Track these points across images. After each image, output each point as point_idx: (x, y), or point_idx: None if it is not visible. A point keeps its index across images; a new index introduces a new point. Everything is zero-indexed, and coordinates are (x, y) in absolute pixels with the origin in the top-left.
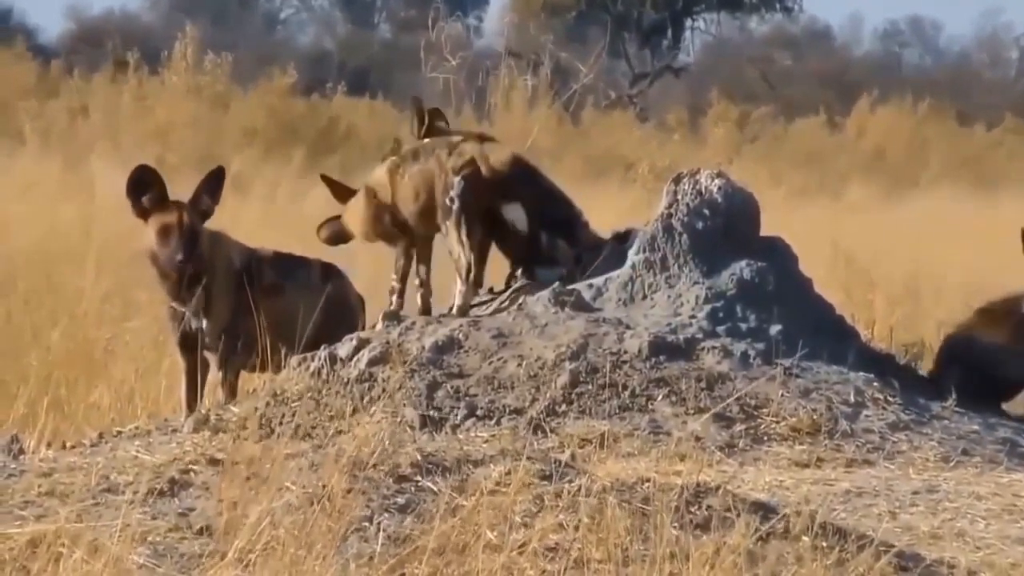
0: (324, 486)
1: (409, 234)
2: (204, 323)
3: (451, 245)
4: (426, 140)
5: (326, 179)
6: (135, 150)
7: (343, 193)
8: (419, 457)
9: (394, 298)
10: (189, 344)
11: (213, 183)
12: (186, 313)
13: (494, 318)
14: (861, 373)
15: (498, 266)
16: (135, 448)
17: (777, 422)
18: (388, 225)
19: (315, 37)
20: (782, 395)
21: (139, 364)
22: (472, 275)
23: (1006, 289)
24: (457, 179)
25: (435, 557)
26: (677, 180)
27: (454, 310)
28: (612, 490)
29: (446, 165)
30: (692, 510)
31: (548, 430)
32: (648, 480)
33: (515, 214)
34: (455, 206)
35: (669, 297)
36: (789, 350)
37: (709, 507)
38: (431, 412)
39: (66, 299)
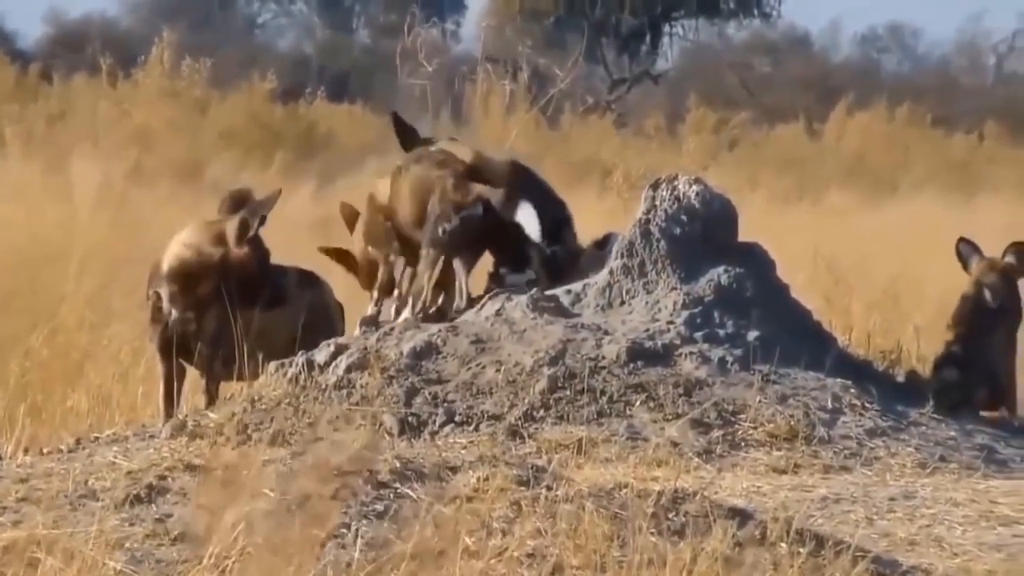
0: (302, 492)
1: (395, 241)
2: (194, 329)
3: (420, 270)
4: (431, 148)
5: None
6: (114, 154)
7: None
8: (397, 463)
9: (371, 306)
10: (169, 350)
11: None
12: (170, 318)
13: (472, 323)
14: (838, 379)
15: (479, 273)
16: (112, 454)
17: (754, 428)
18: (379, 230)
19: (294, 41)
20: (759, 401)
21: (117, 369)
22: (418, 305)
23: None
24: (456, 217)
25: (413, 564)
26: (655, 186)
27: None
28: (590, 496)
29: (449, 195)
30: (669, 516)
31: (526, 436)
32: (626, 486)
33: (527, 217)
34: (445, 239)
35: (647, 303)
36: (766, 356)
37: (686, 513)
38: (409, 418)
39: (48, 303)
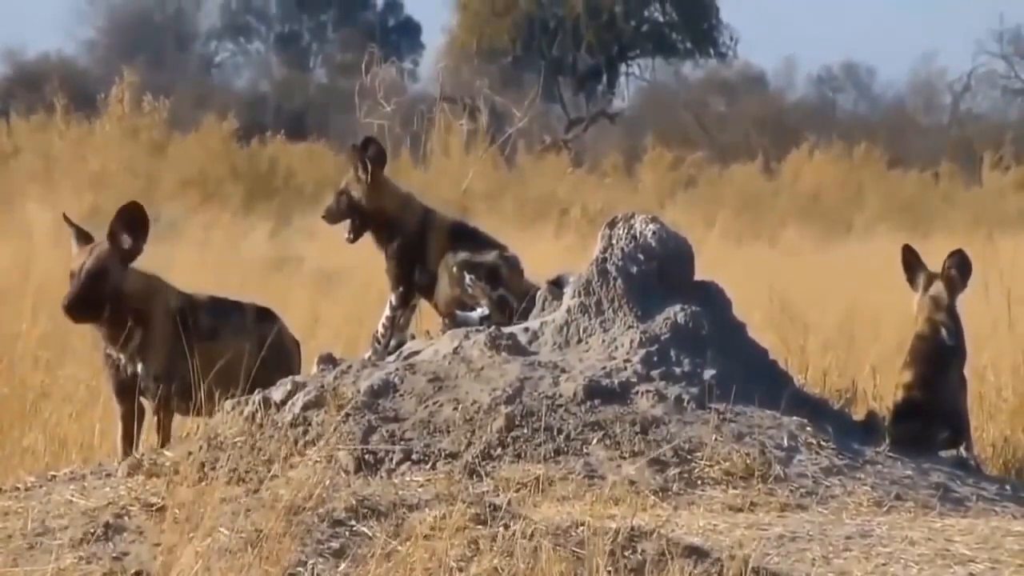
0: (259, 530)
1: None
2: (140, 367)
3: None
4: None
5: None
6: (69, 194)
7: None
8: (354, 501)
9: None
10: (125, 390)
11: (127, 220)
12: (121, 359)
13: (430, 362)
14: (794, 417)
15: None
16: (70, 492)
17: (711, 466)
18: None
19: (251, 80)
20: (716, 439)
21: (73, 408)
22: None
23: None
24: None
25: None
26: (612, 225)
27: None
28: (547, 534)
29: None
30: (626, 554)
31: (483, 474)
32: (583, 524)
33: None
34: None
35: (604, 341)
36: (723, 394)
37: (643, 551)
38: (366, 456)
39: (2, 342)
